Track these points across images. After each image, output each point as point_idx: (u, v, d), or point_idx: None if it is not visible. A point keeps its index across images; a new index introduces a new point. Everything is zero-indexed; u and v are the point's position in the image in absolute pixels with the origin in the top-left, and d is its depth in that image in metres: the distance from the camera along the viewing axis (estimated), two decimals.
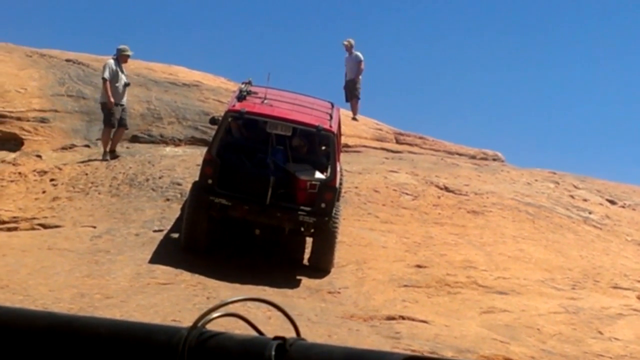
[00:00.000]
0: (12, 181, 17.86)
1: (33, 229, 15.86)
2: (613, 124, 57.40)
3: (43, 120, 20.68)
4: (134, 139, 20.85)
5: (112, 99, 18.36)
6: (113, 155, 18.83)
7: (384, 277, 14.65)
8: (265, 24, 59.02)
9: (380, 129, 25.74)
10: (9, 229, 15.93)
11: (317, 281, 14.27)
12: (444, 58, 58.25)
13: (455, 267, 15.27)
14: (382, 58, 51.10)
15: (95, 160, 18.75)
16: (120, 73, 18.56)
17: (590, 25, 59.91)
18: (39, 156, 19.03)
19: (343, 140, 19.25)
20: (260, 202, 14.14)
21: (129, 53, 18.83)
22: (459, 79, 57.13)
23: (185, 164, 18.63)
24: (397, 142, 25.61)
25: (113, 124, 18.60)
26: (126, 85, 18.71)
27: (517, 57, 58.86)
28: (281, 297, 13.00)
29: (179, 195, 16.97)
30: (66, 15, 56.09)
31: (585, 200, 21.50)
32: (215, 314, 1.68)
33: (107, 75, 18.42)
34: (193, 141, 21.39)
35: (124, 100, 18.78)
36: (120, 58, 18.73)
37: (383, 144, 24.84)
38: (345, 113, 22.28)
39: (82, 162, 18.69)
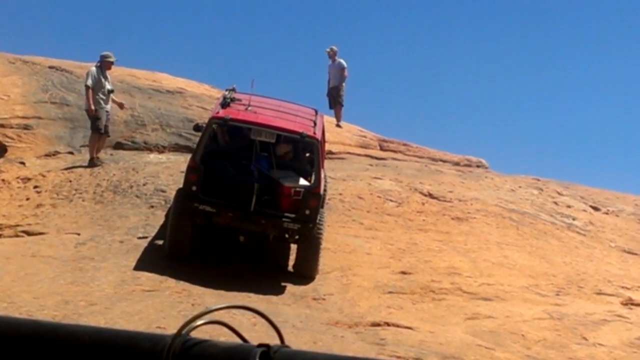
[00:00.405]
0: None
1: (17, 236, 15.80)
2: (597, 130, 57.63)
3: (26, 127, 20.62)
4: (118, 146, 20.81)
5: (92, 107, 18.33)
6: (94, 162, 18.76)
7: (368, 283, 14.65)
8: (249, 31, 59.05)
9: (364, 136, 25.77)
10: None
11: (301, 288, 14.26)
12: (428, 65, 58.41)
13: (439, 274, 15.28)
14: (365, 65, 51.20)
15: (80, 167, 18.70)
16: (103, 80, 18.50)
17: (573, 33, 60.14)
18: (23, 163, 18.98)
19: (327, 147, 19.27)
20: (245, 208, 14.13)
21: (112, 59, 18.77)
22: (442, 86, 57.27)
23: (169, 171, 18.60)
24: (381, 148, 25.64)
25: (100, 129, 18.54)
26: (110, 92, 18.65)
27: (501, 64, 59.05)
28: (266, 304, 12.98)
29: (163, 202, 16.93)
30: (50, 22, 56.01)
31: (569, 206, 21.56)
32: (199, 322, 1.68)
33: (89, 82, 18.39)
34: (177, 148, 21.37)
35: (109, 107, 18.72)
36: (104, 64, 18.67)
37: (367, 150, 24.86)
38: (329, 120, 22.29)
39: (66, 169, 18.64)
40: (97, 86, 18.38)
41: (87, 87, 18.43)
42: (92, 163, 18.68)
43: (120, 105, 19.12)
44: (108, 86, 18.58)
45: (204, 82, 26.82)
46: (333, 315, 13.38)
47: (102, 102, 18.47)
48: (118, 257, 14.54)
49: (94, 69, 18.57)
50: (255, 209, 14.14)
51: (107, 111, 18.68)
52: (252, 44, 57.90)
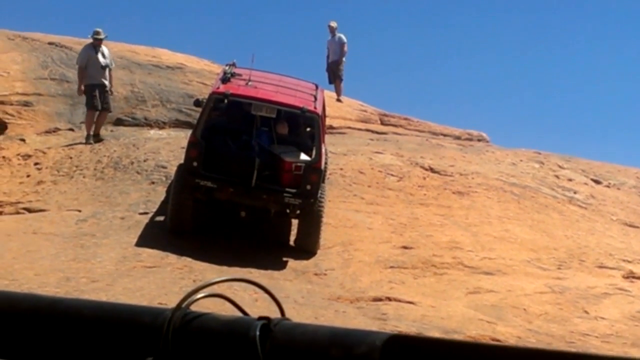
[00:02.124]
0: None
1: (18, 213, 15.81)
2: (598, 103, 57.56)
3: (26, 104, 20.59)
4: (118, 122, 20.79)
5: (81, 87, 18.58)
6: (97, 138, 18.78)
7: (370, 258, 14.66)
8: (248, 5, 58.87)
9: (364, 111, 25.73)
10: None
11: (303, 263, 14.27)
12: (428, 39, 58.28)
13: (441, 248, 15.29)
14: (366, 39, 51.09)
15: (79, 143, 18.69)
16: (96, 56, 18.49)
17: (574, 7, 59.99)
18: (23, 140, 18.96)
19: (327, 121, 19.24)
20: (246, 184, 14.13)
21: (101, 37, 18.77)
22: (443, 60, 57.15)
23: (169, 147, 18.59)
24: (382, 123, 25.61)
25: (95, 106, 18.55)
26: (105, 67, 18.62)
27: (502, 37, 58.90)
28: (267, 279, 12.99)
29: (164, 178, 16.93)
30: None
31: (570, 180, 21.56)
32: (199, 295, 1.66)
33: (79, 60, 18.87)
34: (177, 124, 21.35)
35: (106, 82, 18.71)
36: (94, 41, 18.71)
37: (368, 125, 24.84)
38: (329, 95, 22.26)
39: (67, 145, 18.63)
40: (89, 63, 18.44)
41: (78, 65, 18.62)
42: (88, 140, 18.68)
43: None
44: (102, 61, 18.54)
45: (204, 57, 26.76)
46: (334, 290, 13.40)
47: (94, 78, 18.48)
48: (119, 234, 14.55)
49: (86, 46, 18.73)
50: (256, 184, 14.13)
51: (101, 85, 18.64)
52: (252, 19, 57.74)
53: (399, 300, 13.17)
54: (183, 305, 1.65)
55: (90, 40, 18.86)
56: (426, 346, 1.43)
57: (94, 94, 18.47)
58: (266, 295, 1.76)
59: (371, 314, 12.52)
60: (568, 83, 58.19)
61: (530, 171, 21.48)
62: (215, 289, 1.72)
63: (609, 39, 58.59)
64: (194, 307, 1.67)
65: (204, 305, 1.66)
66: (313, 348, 1.52)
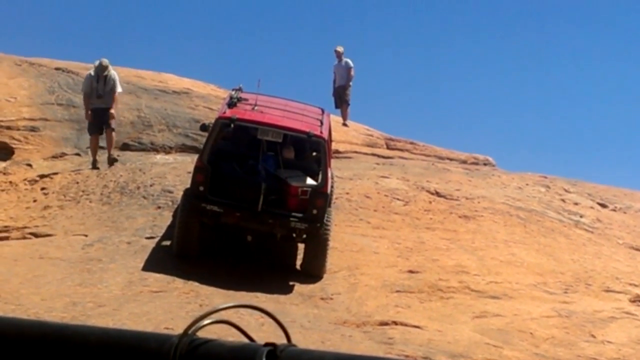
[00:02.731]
0: (2, 190, 17.83)
1: (24, 238, 15.82)
2: (604, 127, 57.51)
3: (33, 129, 20.64)
4: (125, 147, 20.82)
5: (88, 112, 18.76)
6: (111, 160, 18.91)
7: (376, 282, 14.64)
8: (254, 30, 59.07)
9: (370, 135, 25.76)
10: (0, 239, 15.90)
11: (309, 287, 14.26)
12: (434, 63, 58.36)
13: (447, 272, 15.27)
14: (372, 63, 51.18)
15: (86, 169, 18.73)
16: (96, 82, 18.68)
17: (580, 29, 60.04)
18: (30, 165, 19.00)
19: (334, 146, 19.26)
20: (252, 208, 14.14)
21: (101, 64, 18.85)
22: (448, 84, 57.18)
23: (176, 172, 18.61)
24: (388, 147, 25.63)
25: (90, 131, 18.82)
26: (100, 96, 18.68)
27: (508, 61, 58.98)
28: (274, 304, 12.99)
29: (170, 203, 16.94)
30: (56, 24, 56.07)
31: (576, 203, 21.53)
32: (206, 321, 1.67)
33: (83, 87, 19.17)
34: (184, 149, 21.37)
35: (106, 104, 18.76)
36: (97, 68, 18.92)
37: (374, 149, 24.85)
38: (335, 119, 22.29)
39: (73, 170, 18.66)
40: (90, 90, 18.69)
41: (83, 93, 19.09)
42: (95, 165, 18.82)
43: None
44: (101, 89, 18.66)
45: (210, 82, 26.84)
46: (341, 314, 13.39)
47: (94, 104, 18.69)
48: (126, 258, 14.56)
49: (89, 72, 18.97)
50: (262, 209, 14.15)
51: (102, 109, 18.71)
52: (258, 44, 57.89)
53: (406, 325, 13.16)
54: (189, 332, 1.66)
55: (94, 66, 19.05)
56: None
57: (93, 119, 18.64)
58: (273, 321, 1.77)
59: (377, 338, 12.50)
60: (573, 107, 58.20)
61: (536, 195, 21.46)
62: (221, 314, 1.73)
63: (614, 61, 58.62)
64: (200, 333, 1.68)
65: (210, 331, 1.67)
66: None
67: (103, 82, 18.68)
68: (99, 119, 18.71)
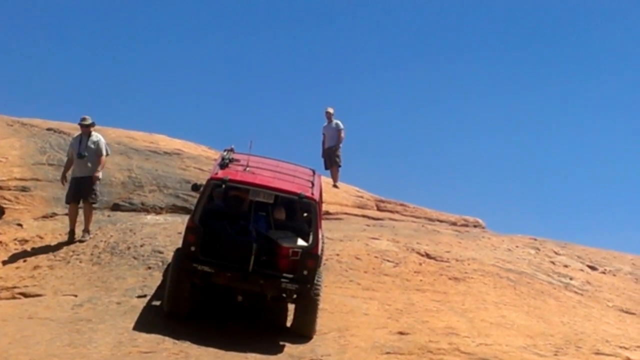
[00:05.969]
0: None
1: (14, 297, 15.77)
2: (593, 190, 57.75)
3: (24, 189, 20.64)
4: (115, 207, 20.83)
5: (65, 177, 18.27)
6: (83, 235, 18.10)
7: (366, 344, 14.61)
8: (246, 92, 59.39)
9: (361, 196, 25.83)
10: None
11: (299, 348, 14.22)
12: (424, 125, 58.74)
13: (437, 334, 15.25)
14: (361, 124, 51.51)
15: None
16: (78, 146, 18.08)
17: (567, 88, 60.55)
18: (20, 225, 18.98)
19: (324, 207, 19.31)
20: (243, 269, 14.17)
21: (85, 122, 18.18)
22: (439, 146, 57.50)
23: (166, 232, 18.62)
24: (378, 209, 25.70)
25: (67, 199, 18.16)
26: (81, 156, 17.94)
27: (496, 123, 59.35)
28: None
29: (160, 264, 16.93)
30: (48, 84, 56.32)
31: (566, 266, 21.57)
32: None
33: (67, 152, 18.57)
34: (174, 209, 21.39)
35: (87, 174, 18.04)
36: (81, 128, 18.33)
37: (364, 211, 24.91)
38: (325, 180, 22.38)
39: (64, 230, 18.63)
40: (73, 154, 18.09)
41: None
42: (70, 237, 18.05)
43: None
44: (80, 151, 17.96)
45: (202, 143, 26.95)
46: None
47: (73, 172, 18.10)
48: (115, 319, 14.52)
49: (75, 135, 18.47)
50: (253, 269, 14.17)
51: (81, 178, 18.03)
52: (249, 106, 58.23)
53: None
54: None
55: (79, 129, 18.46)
56: None
57: (69, 187, 18.16)
58: None
59: None
60: (563, 170, 58.48)
61: (526, 257, 21.50)
62: None
63: (603, 123, 59.01)
64: None
65: None
66: None
67: (86, 146, 18.04)
68: (77, 189, 18.03)
